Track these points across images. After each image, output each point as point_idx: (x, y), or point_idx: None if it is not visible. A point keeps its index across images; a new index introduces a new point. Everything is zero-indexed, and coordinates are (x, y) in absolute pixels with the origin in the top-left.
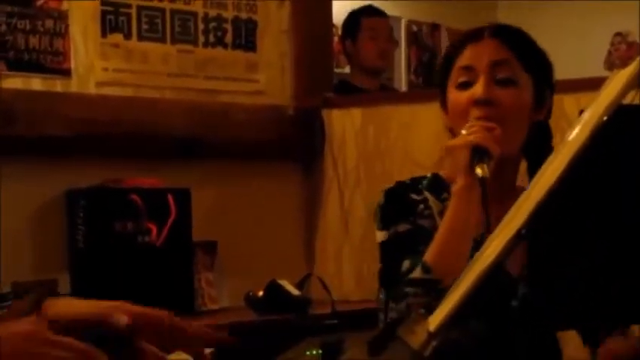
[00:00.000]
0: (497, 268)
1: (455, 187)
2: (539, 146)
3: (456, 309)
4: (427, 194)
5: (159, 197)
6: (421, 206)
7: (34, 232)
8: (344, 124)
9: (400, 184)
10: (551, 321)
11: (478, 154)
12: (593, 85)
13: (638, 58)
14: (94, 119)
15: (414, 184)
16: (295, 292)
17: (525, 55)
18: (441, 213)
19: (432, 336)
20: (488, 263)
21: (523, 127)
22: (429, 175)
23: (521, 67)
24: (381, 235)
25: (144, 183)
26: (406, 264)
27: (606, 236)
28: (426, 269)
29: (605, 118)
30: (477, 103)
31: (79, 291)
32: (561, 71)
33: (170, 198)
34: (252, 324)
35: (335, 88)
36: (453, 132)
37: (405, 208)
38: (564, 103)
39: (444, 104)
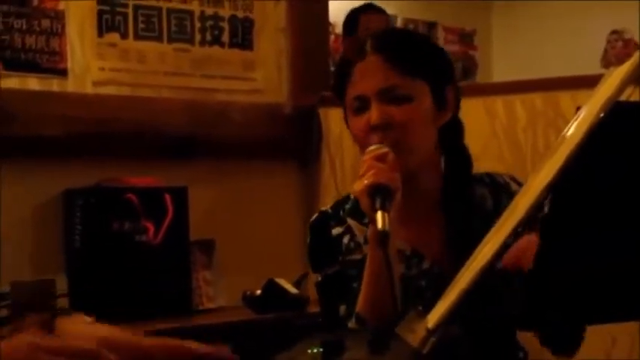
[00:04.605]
0: (494, 266)
1: (369, 234)
2: (451, 144)
3: (454, 306)
4: (350, 221)
5: (156, 196)
6: (345, 239)
7: (32, 232)
8: (341, 122)
9: (322, 216)
10: (545, 321)
11: (378, 194)
12: (590, 82)
13: (634, 55)
14: (90, 119)
15: (337, 211)
16: (293, 290)
17: (414, 64)
18: (366, 239)
19: (430, 333)
20: (486, 261)
21: (429, 135)
22: (352, 196)
23: (412, 78)
24: (314, 277)
25: (141, 182)
26: (342, 309)
27: (605, 233)
28: (360, 321)
29: (602, 114)
30: (372, 129)
31: (77, 290)
32: (558, 69)
33: (167, 197)
34: (250, 323)
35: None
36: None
37: (330, 248)
38: (560, 100)
39: (347, 121)
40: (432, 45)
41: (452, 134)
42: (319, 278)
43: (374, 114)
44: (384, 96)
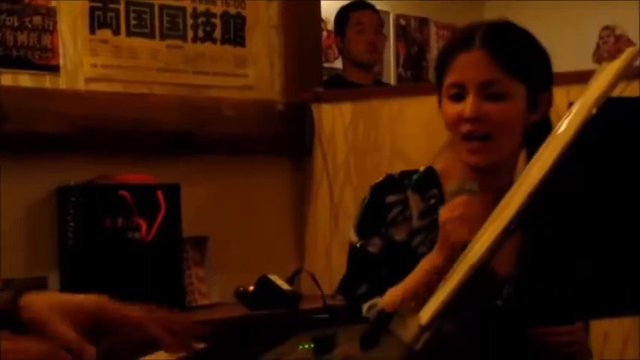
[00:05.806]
0: (486, 263)
1: (427, 262)
2: (538, 141)
3: (446, 303)
4: (410, 193)
5: (148, 193)
6: (396, 210)
7: (25, 229)
8: (333, 118)
9: (386, 180)
10: (535, 318)
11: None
12: (582, 77)
13: (626, 51)
14: (83, 115)
15: (401, 179)
16: (286, 286)
17: (517, 65)
18: (422, 213)
19: (423, 329)
20: (477, 258)
21: (516, 135)
22: (422, 168)
23: (513, 78)
24: (353, 236)
25: (133, 179)
26: (363, 289)
27: (596, 230)
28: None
29: (594, 110)
30: (465, 120)
31: (69, 288)
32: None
33: (160, 194)
34: (243, 319)
35: (330, 83)
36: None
37: (379, 217)
38: (554, 95)
39: (440, 104)
40: (540, 48)
41: (538, 134)
42: (357, 243)
43: (468, 106)
44: (482, 90)
